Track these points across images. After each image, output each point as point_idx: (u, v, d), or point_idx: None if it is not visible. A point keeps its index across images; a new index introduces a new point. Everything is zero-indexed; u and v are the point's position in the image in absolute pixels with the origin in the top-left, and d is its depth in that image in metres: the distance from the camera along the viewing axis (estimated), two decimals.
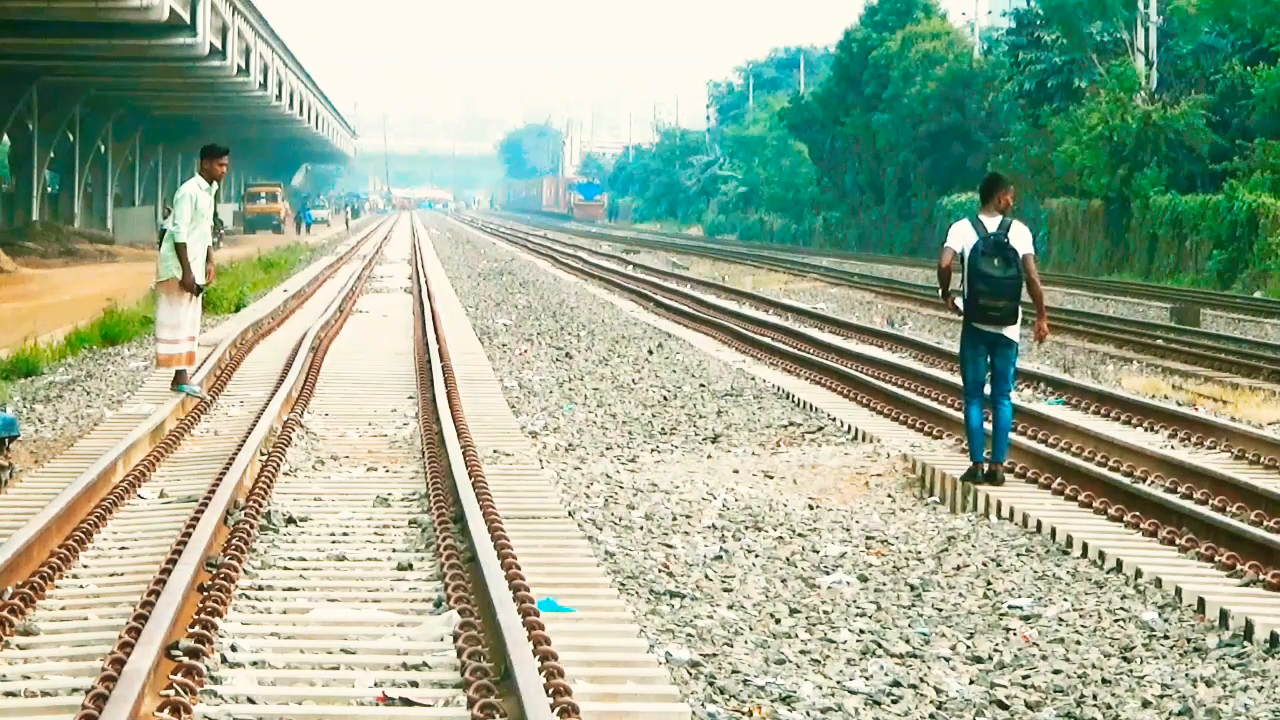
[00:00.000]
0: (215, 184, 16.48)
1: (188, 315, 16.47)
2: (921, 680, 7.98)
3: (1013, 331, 12.79)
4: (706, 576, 9.96)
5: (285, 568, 9.33)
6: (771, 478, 13.50)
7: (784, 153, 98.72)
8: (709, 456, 14.52)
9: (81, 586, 8.81)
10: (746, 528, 11.46)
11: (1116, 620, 9.16)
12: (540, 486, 11.91)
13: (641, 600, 9.24)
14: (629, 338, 26.25)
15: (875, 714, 7.49)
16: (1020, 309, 12.81)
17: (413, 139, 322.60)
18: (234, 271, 40.30)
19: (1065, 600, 9.59)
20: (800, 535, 11.33)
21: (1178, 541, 10.63)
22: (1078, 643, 8.73)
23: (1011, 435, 13.18)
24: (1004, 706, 7.64)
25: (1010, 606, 9.47)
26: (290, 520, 10.53)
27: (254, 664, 7.32)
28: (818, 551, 10.83)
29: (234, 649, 7.47)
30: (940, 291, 13.24)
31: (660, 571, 9.98)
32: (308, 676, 7.17)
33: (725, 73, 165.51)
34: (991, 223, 12.74)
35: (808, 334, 26.26)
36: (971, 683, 8.01)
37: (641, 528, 11.23)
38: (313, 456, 13.32)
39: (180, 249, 16.23)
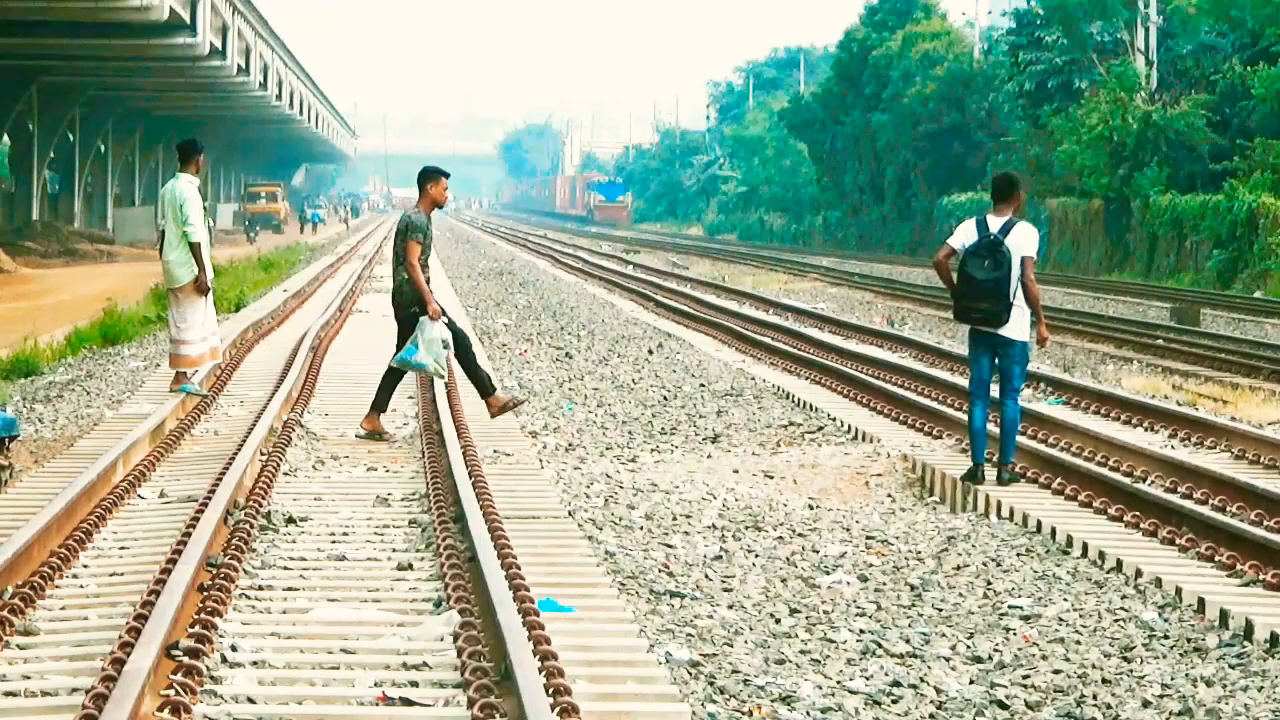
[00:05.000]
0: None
1: (205, 312, 16.61)
2: (921, 680, 7.98)
3: (1013, 331, 12.70)
4: (706, 576, 9.96)
5: (285, 568, 9.33)
6: (771, 478, 13.50)
7: (784, 153, 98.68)
8: (709, 456, 14.52)
9: (81, 586, 8.81)
10: (746, 528, 11.46)
11: (1116, 620, 9.16)
12: (540, 486, 11.92)
13: (641, 600, 9.24)
14: (629, 338, 26.26)
15: (875, 714, 7.49)
16: (1012, 310, 12.64)
17: (413, 139, 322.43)
18: (234, 271, 40.31)
19: (1065, 600, 9.59)
20: (800, 535, 11.33)
21: (1178, 541, 10.63)
22: (1078, 643, 8.73)
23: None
24: (1004, 706, 7.64)
25: (1010, 606, 9.47)
26: (290, 520, 10.53)
27: (254, 664, 7.32)
28: (818, 551, 10.83)
29: (234, 649, 7.47)
30: (949, 290, 13.15)
31: (660, 571, 9.98)
32: (308, 676, 7.17)
33: (725, 73, 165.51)
34: (997, 223, 12.68)
35: (808, 334, 26.27)
36: (971, 683, 8.01)
37: (641, 528, 11.23)
38: (313, 456, 13.32)
39: (196, 248, 16.30)
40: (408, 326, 14.52)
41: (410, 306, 14.46)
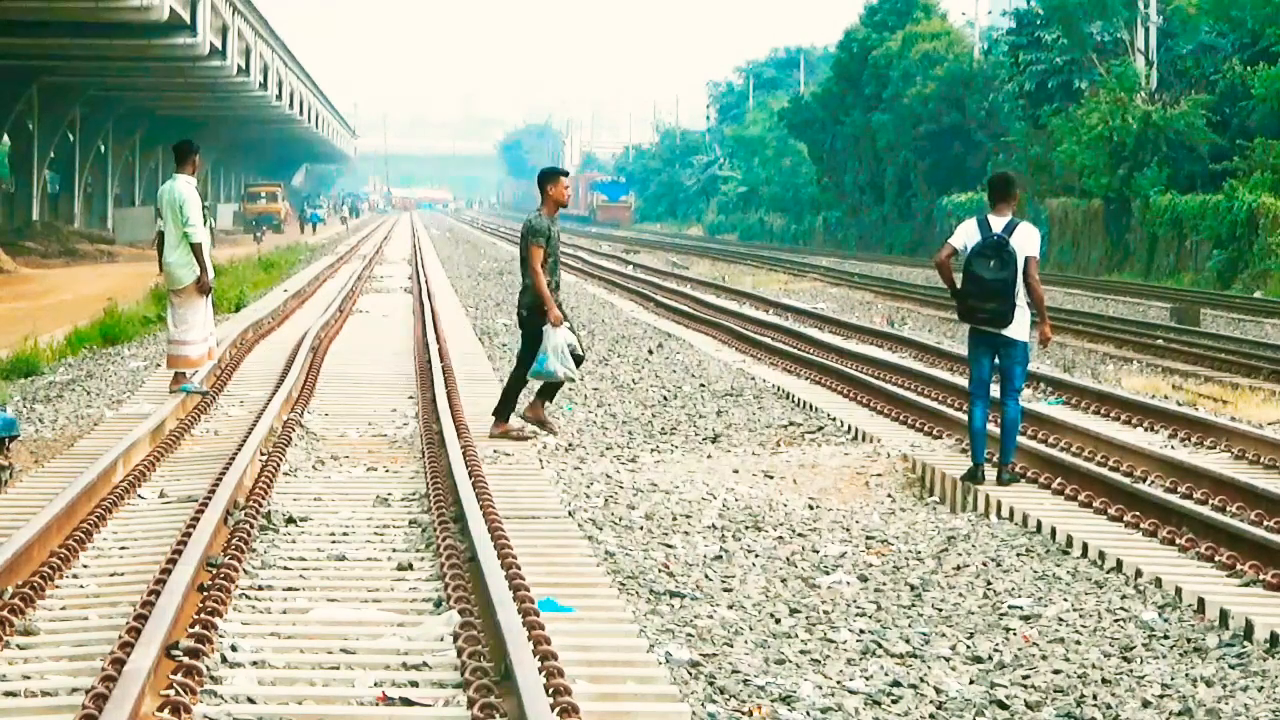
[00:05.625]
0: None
1: (205, 312, 16.61)
2: (921, 680, 7.98)
3: (1015, 331, 12.70)
4: (706, 576, 9.96)
5: (285, 568, 9.33)
6: (771, 478, 13.49)
7: (784, 153, 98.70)
8: (709, 456, 14.51)
9: (81, 586, 8.81)
10: (746, 528, 11.46)
11: (1116, 620, 9.16)
12: (540, 486, 11.92)
13: (641, 600, 9.24)
14: (629, 338, 26.26)
15: (875, 714, 7.49)
16: (1016, 310, 12.65)
17: (413, 139, 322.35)
18: (234, 271, 40.30)
19: (1065, 600, 9.59)
20: (800, 535, 11.33)
21: (1178, 541, 10.63)
22: (1078, 643, 8.73)
23: None
24: (1004, 706, 7.64)
25: (1010, 606, 9.47)
26: (290, 520, 10.53)
27: (254, 664, 7.33)
28: (818, 551, 10.83)
29: (234, 649, 7.47)
30: (949, 290, 13.15)
31: (660, 571, 9.98)
32: (308, 676, 7.17)
33: (725, 73, 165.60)
34: (999, 223, 12.68)
35: (808, 334, 26.26)
36: (971, 683, 8.01)
37: (641, 528, 11.22)
38: (313, 456, 13.32)
39: (197, 248, 16.29)
40: (527, 327, 14.51)
41: (525, 308, 14.42)
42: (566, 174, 14.84)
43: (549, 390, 14.65)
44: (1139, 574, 10.00)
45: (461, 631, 7.64)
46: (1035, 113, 60.30)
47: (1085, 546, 10.74)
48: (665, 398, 18.56)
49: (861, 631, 8.85)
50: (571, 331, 14.41)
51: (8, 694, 6.81)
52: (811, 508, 12.40)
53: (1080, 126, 53.65)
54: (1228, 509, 11.59)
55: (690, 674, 7.83)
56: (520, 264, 14.59)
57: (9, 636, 7.66)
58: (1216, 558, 10.17)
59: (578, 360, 14.39)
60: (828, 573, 10.23)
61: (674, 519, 11.56)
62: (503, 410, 14.49)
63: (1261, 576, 9.68)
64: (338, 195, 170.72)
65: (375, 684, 7.05)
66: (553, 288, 14.30)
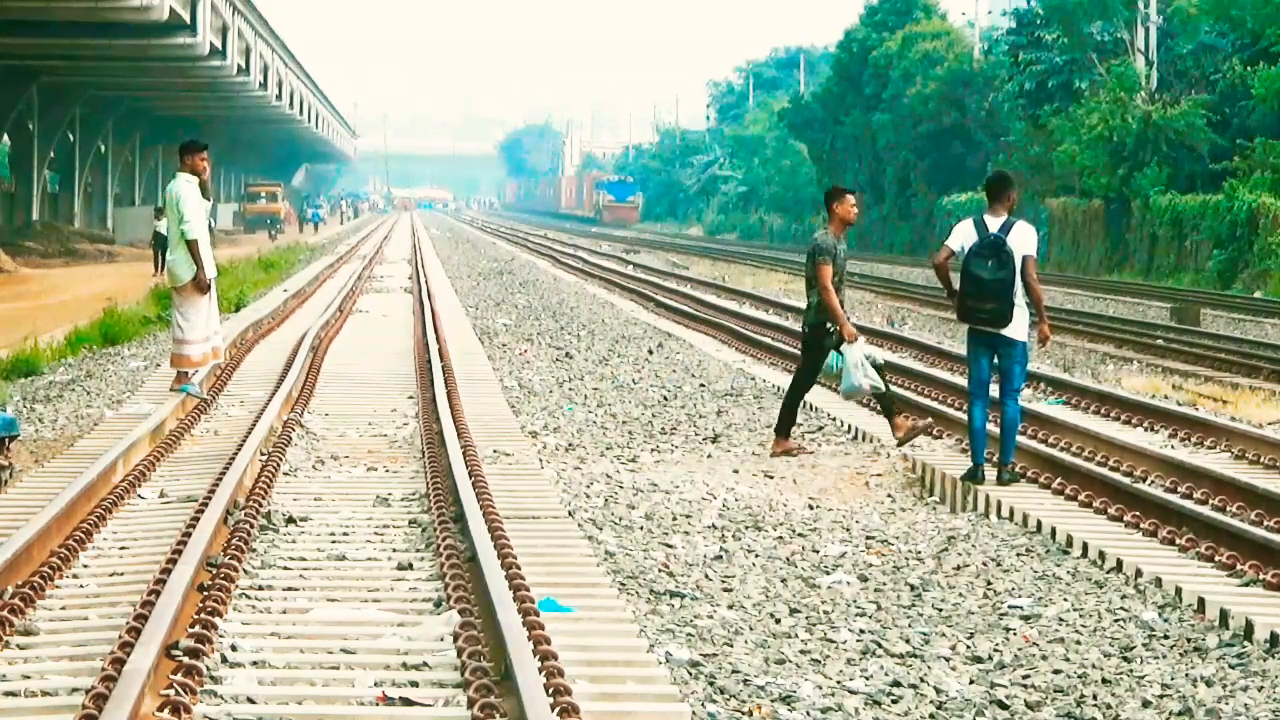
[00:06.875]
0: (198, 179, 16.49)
1: (208, 311, 16.55)
2: (921, 680, 7.98)
3: (1014, 330, 12.71)
4: (706, 576, 9.96)
5: (285, 567, 9.33)
6: (771, 478, 13.49)
7: (784, 153, 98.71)
8: (709, 456, 14.51)
9: (81, 586, 8.81)
10: (746, 528, 11.46)
11: (1116, 620, 9.16)
12: (540, 486, 11.91)
13: (641, 600, 9.24)
14: (629, 338, 26.26)
15: (875, 714, 7.49)
16: (1014, 309, 12.66)
17: (413, 139, 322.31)
18: (234, 271, 40.29)
19: (1065, 600, 9.59)
20: (800, 535, 11.33)
21: (1178, 541, 10.63)
22: (1078, 643, 8.73)
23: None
24: (1004, 706, 7.64)
25: (1010, 606, 9.47)
26: (290, 520, 10.53)
27: (254, 664, 7.32)
28: (818, 551, 10.83)
29: (234, 649, 7.47)
30: (945, 291, 13.17)
31: (660, 571, 9.98)
32: (308, 676, 7.17)
33: (725, 73, 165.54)
34: (995, 223, 12.69)
35: None
36: (971, 683, 8.01)
37: (641, 527, 11.22)
38: (313, 456, 13.32)
39: (193, 245, 16.24)
40: (809, 344, 14.53)
41: (809, 325, 14.41)
42: (854, 192, 14.79)
43: (886, 400, 14.49)
44: (1139, 574, 10.00)
45: (461, 631, 7.64)
46: (1035, 113, 60.30)
47: (1085, 546, 10.73)
48: (665, 398, 18.57)
49: (861, 631, 8.85)
50: (868, 343, 14.33)
51: (8, 694, 6.81)
52: (811, 508, 12.40)
53: (1080, 126, 53.67)
54: (1228, 509, 11.58)
55: (690, 674, 7.83)
56: (806, 282, 14.57)
57: (9, 636, 7.66)
58: (1216, 558, 10.17)
59: (879, 369, 14.30)
60: (828, 573, 10.23)
61: (674, 519, 11.56)
62: (783, 427, 14.47)
63: (1261, 576, 9.68)
64: (337, 195, 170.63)
65: (375, 684, 7.05)
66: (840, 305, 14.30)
